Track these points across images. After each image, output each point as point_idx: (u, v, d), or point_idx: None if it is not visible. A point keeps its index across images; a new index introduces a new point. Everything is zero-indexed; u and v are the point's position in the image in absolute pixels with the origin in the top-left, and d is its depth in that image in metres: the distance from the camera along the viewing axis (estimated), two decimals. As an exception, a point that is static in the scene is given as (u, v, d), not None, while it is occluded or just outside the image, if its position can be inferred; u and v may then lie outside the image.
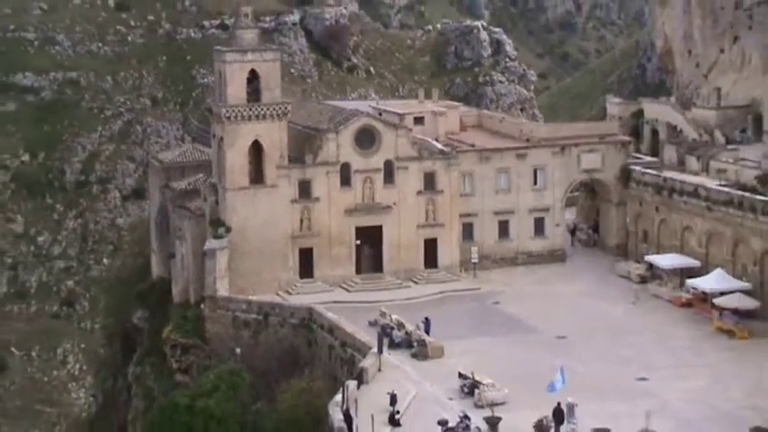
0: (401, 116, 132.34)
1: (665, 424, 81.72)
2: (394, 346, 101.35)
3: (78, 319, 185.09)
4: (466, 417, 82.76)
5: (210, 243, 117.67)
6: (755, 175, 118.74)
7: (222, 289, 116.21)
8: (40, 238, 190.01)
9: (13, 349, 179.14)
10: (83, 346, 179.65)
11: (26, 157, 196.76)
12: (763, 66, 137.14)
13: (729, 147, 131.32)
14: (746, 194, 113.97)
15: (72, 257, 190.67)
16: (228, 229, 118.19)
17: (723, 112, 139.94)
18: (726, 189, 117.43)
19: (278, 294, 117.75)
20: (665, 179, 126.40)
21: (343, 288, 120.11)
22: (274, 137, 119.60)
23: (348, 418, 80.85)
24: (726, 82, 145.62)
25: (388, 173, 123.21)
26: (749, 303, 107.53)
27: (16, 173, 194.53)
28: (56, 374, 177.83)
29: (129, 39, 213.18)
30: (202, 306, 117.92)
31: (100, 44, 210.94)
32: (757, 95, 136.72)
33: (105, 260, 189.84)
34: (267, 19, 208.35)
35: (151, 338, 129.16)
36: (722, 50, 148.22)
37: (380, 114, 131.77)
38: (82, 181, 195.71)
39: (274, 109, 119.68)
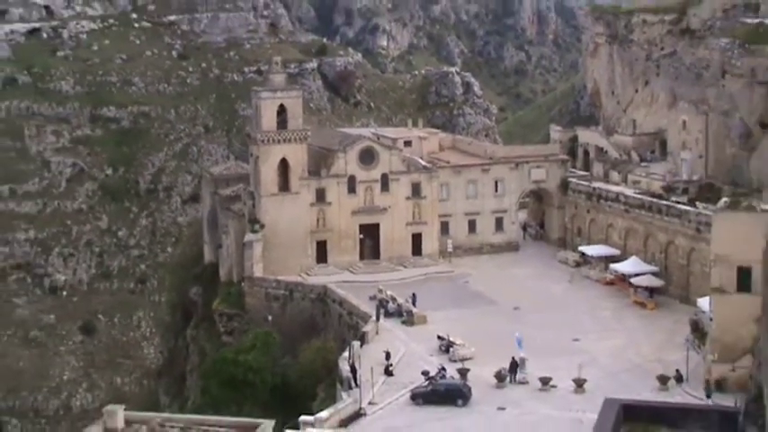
0: (394, 140, 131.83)
1: (593, 373, 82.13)
2: (388, 315, 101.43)
3: (149, 294, 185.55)
4: (443, 368, 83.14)
5: (249, 236, 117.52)
6: (661, 185, 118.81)
7: (258, 271, 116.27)
8: (120, 233, 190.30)
9: (100, 316, 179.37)
10: (152, 314, 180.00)
11: (110, 171, 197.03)
12: (668, 103, 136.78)
13: (642, 164, 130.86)
14: (654, 200, 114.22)
15: (144, 247, 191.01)
16: (262, 226, 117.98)
17: (637, 138, 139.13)
18: (639, 196, 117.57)
19: (300, 276, 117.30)
20: (594, 188, 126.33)
21: (349, 271, 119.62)
22: (297, 155, 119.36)
23: (353, 370, 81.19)
24: (639, 115, 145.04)
25: (384, 183, 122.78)
26: (657, 282, 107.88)
27: (102, 183, 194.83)
28: (132, 335, 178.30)
29: (188, 81, 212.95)
30: (243, 284, 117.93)
31: (166, 85, 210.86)
32: (663, 125, 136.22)
33: (169, 249, 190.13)
34: (292, 66, 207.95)
35: (204, 309, 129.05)
36: (637, 91, 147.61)
37: (378, 138, 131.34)
38: (151, 189, 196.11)
39: (297, 134, 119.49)
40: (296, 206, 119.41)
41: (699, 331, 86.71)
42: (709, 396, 74.99)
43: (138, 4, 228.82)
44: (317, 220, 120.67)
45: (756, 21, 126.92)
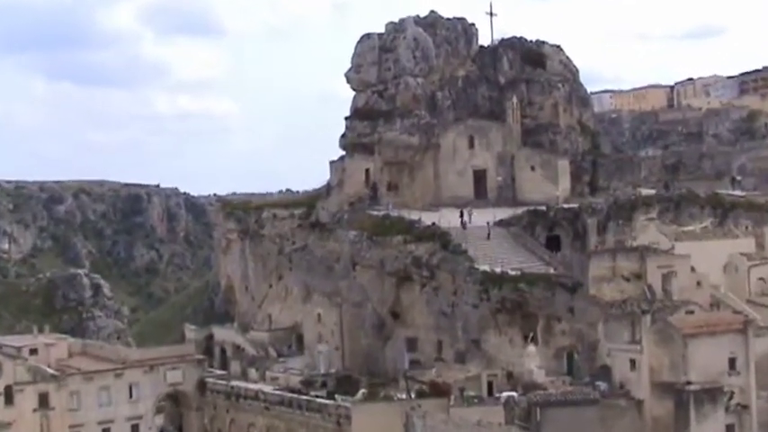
0: (18, 349, 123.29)
1: None
2: None
3: None
4: None
5: None
6: (300, 380, 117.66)
7: None
8: None
9: None
10: None
11: None
12: (302, 296, 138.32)
13: (280, 359, 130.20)
14: (294, 396, 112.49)
15: None
16: None
17: (274, 333, 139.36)
18: (278, 392, 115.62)
19: None
20: (232, 387, 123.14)
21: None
22: None
23: None
24: (275, 309, 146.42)
25: (8, 395, 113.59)
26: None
27: None
28: None
29: None
30: None
31: None
32: (298, 319, 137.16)
33: None
34: None
35: None
36: (271, 286, 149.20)
37: (1, 348, 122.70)
38: None
39: None
40: None
41: None
42: None
43: None
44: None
45: (382, 213, 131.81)
